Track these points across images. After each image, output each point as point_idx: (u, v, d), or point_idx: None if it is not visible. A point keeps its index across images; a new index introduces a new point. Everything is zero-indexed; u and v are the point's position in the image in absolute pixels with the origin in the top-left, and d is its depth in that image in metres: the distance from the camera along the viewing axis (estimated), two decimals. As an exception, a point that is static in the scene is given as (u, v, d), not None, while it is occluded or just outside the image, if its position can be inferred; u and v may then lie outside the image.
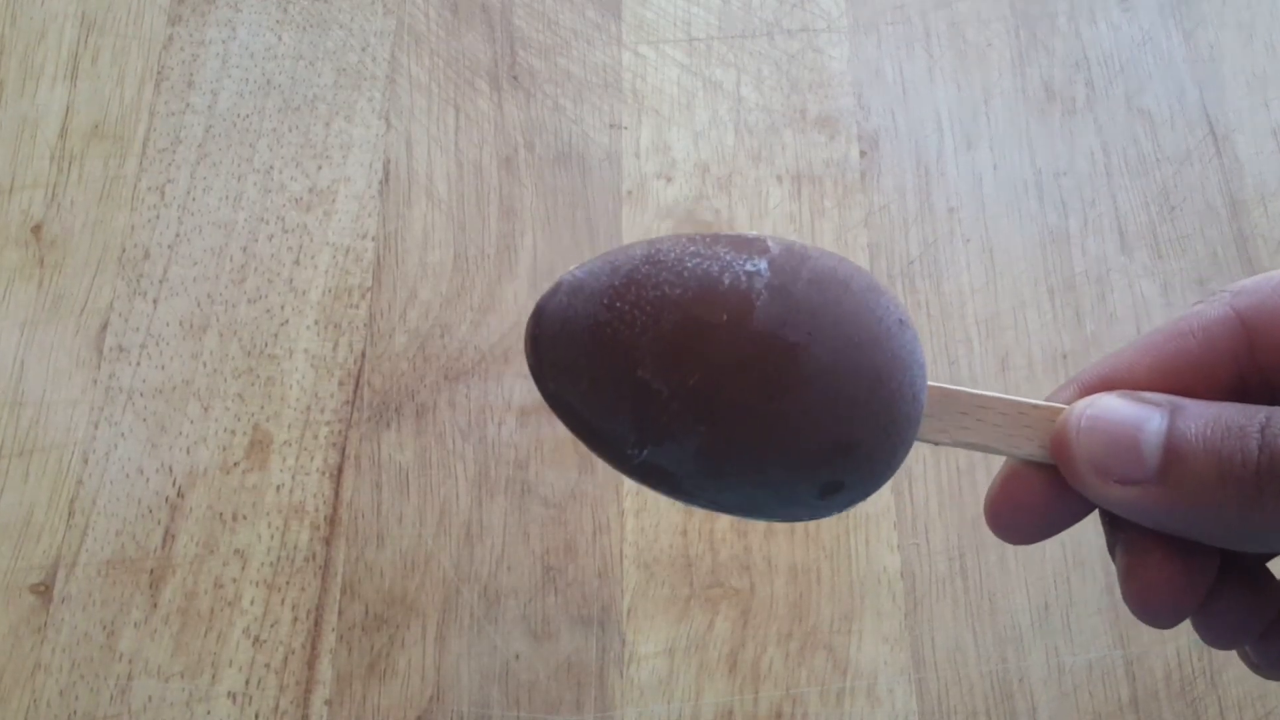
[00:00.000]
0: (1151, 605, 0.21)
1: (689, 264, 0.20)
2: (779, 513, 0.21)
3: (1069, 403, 0.21)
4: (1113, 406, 0.20)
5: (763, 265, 0.20)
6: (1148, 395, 0.20)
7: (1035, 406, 0.22)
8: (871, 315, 0.20)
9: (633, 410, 0.20)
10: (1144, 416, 0.19)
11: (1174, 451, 0.19)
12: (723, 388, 0.20)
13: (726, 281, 0.20)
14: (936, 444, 0.22)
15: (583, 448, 0.42)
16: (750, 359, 0.20)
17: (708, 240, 0.21)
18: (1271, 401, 0.20)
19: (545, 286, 0.46)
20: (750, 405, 0.20)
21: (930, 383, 0.21)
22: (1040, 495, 0.21)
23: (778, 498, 0.21)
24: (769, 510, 0.21)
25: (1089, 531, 0.41)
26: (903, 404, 0.20)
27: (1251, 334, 0.20)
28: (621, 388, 0.20)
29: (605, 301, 0.21)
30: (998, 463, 0.42)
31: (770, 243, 0.21)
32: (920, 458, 0.42)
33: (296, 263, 0.45)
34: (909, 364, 0.21)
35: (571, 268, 0.21)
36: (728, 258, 0.20)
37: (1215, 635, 0.22)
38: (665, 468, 0.20)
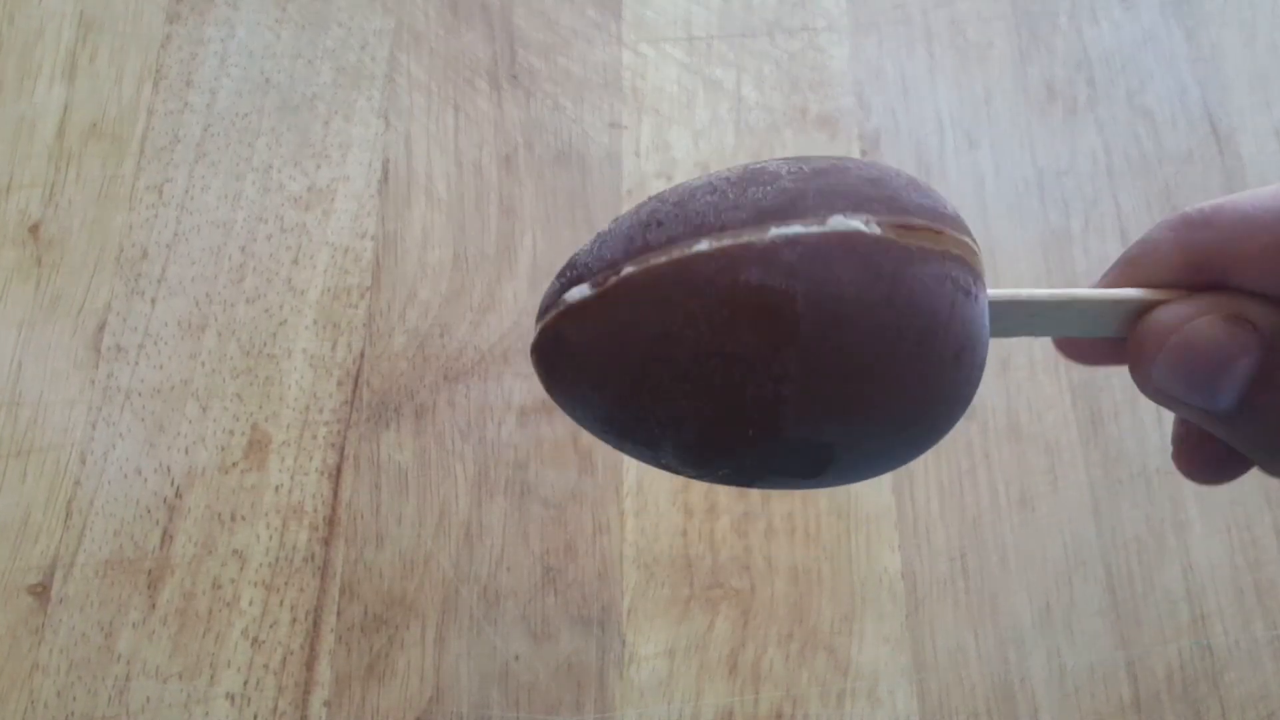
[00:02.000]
0: (1200, 472, 0.21)
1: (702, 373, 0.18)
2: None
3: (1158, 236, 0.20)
4: (1203, 334, 0.18)
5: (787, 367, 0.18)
6: (1249, 313, 0.18)
7: (1100, 300, 0.20)
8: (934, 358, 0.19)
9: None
10: (1234, 355, 0.18)
11: (1253, 399, 0.18)
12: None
13: (752, 392, 0.18)
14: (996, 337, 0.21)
15: (582, 447, 0.42)
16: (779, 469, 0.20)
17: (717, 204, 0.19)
18: None
19: (545, 286, 0.46)
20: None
21: (991, 291, 0.20)
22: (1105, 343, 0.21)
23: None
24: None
25: (1089, 531, 0.41)
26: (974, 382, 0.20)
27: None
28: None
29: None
30: (997, 465, 0.42)
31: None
32: (920, 457, 0.42)
33: (295, 262, 0.45)
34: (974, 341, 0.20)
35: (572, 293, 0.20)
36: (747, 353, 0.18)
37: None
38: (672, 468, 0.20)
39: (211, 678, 0.39)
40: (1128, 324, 0.20)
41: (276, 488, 0.42)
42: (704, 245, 0.18)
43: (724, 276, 0.18)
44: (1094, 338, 0.21)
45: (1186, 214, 0.19)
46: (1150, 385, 0.19)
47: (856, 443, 0.19)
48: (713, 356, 0.18)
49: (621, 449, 0.21)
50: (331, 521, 0.41)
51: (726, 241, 0.18)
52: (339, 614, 0.40)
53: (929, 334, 0.18)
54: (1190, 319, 0.18)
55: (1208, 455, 0.21)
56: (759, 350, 0.18)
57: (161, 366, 0.43)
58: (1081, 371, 0.43)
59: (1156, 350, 0.19)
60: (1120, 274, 0.20)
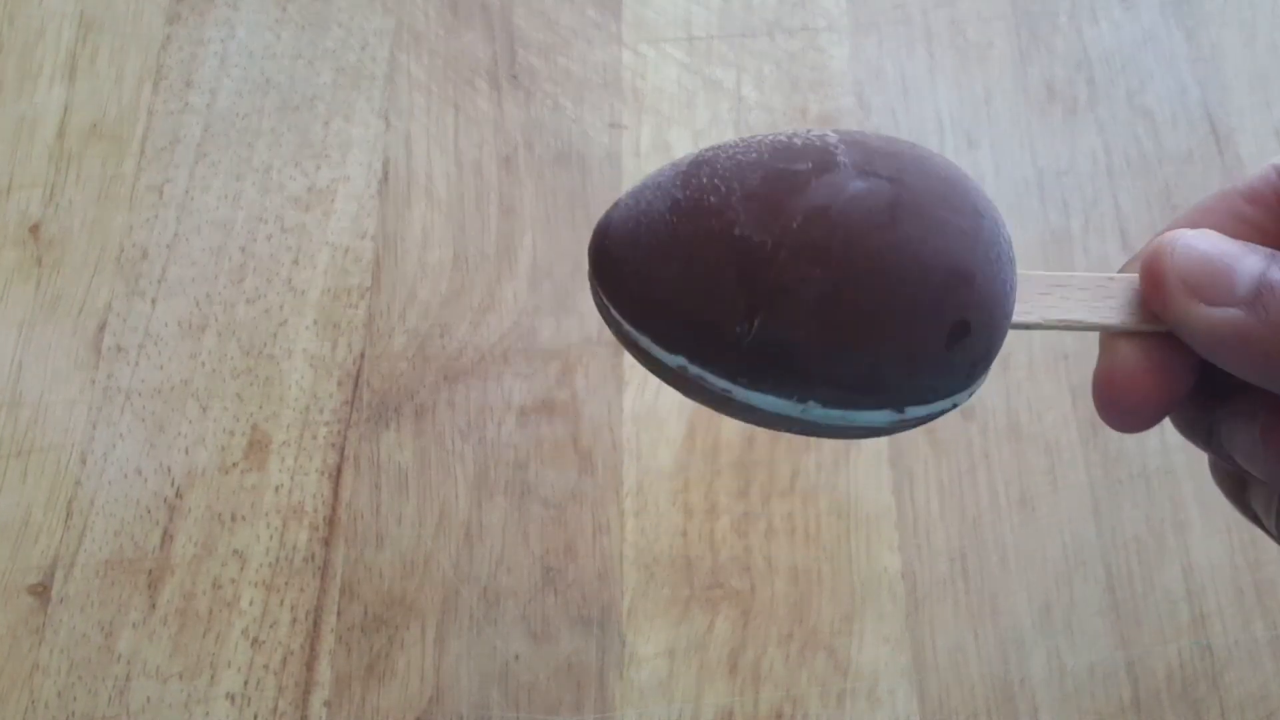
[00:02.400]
0: (1116, 413, 0.21)
1: (753, 142, 0.20)
2: (903, 386, 0.19)
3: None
4: (1212, 238, 0.20)
5: (829, 133, 0.20)
6: (1249, 243, 0.20)
7: (1113, 278, 0.21)
8: (950, 166, 0.20)
9: (738, 272, 0.18)
10: (1243, 253, 0.19)
11: (1268, 283, 0.19)
12: (832, 224, 0.18)
13: (799, 144, 0.20)
14: (1027, 328, 0.21)
15: (582, 448, 0.42)
16: (851, 196, 0.19)
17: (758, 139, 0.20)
18: None
19: (545, 286, 0.46)
20: (862, 236, 0.19)
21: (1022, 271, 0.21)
22: (1139, 366, 0.21)
23: (905, 353, 0.19)
24: (892, 382, 0.19)
25: (1089, 531, 0.41)
26: (1003, 242, 0.20)
27: None
28: (720, 251, 0.19)
29: (680, 184, 0.20)
30: (997, 465, 0.42)
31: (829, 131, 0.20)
32: (920, 458, 0.42)
33: (295, 263, 0.45)
34: (995, 210, 0.20)
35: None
36: (790, 131, 0.20)
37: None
38: (780, 339, 0.19)
39: (212, 678, 0.39)
40: (1133, 301, 0.21)
41: (277, 488, 0.42)
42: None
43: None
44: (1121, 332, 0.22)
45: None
46: (1168, 280, 0.20)
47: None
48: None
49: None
50: (331, 522, 0.41)
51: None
52: (339, 614, 0.40)
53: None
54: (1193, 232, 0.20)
55: (1136, 399, 0.22)
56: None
57: (162, 367, 0.43)
58: (1082, 372, 0.43)
59: (1171, 249, 0.20)
60: (1189, 221, 0.21)
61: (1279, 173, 0.21)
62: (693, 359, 0.20)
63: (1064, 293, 0.21)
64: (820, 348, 0.19)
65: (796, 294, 0.18)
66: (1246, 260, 0.19)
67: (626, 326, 0.20)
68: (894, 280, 0.19)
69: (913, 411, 0.20)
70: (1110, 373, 0.21)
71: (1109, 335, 0.22)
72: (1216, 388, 0.21)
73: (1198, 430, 0.23)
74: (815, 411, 0.20)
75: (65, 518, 0.41)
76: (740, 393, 0.20)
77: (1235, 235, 0.20)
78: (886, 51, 0.50)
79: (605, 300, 0.20)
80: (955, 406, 0.21)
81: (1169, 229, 0.21)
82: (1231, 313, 0.19)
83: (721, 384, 0.20)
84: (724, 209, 0.19)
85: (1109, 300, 0.21)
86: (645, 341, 0.20)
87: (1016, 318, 0.21)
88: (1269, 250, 0.19)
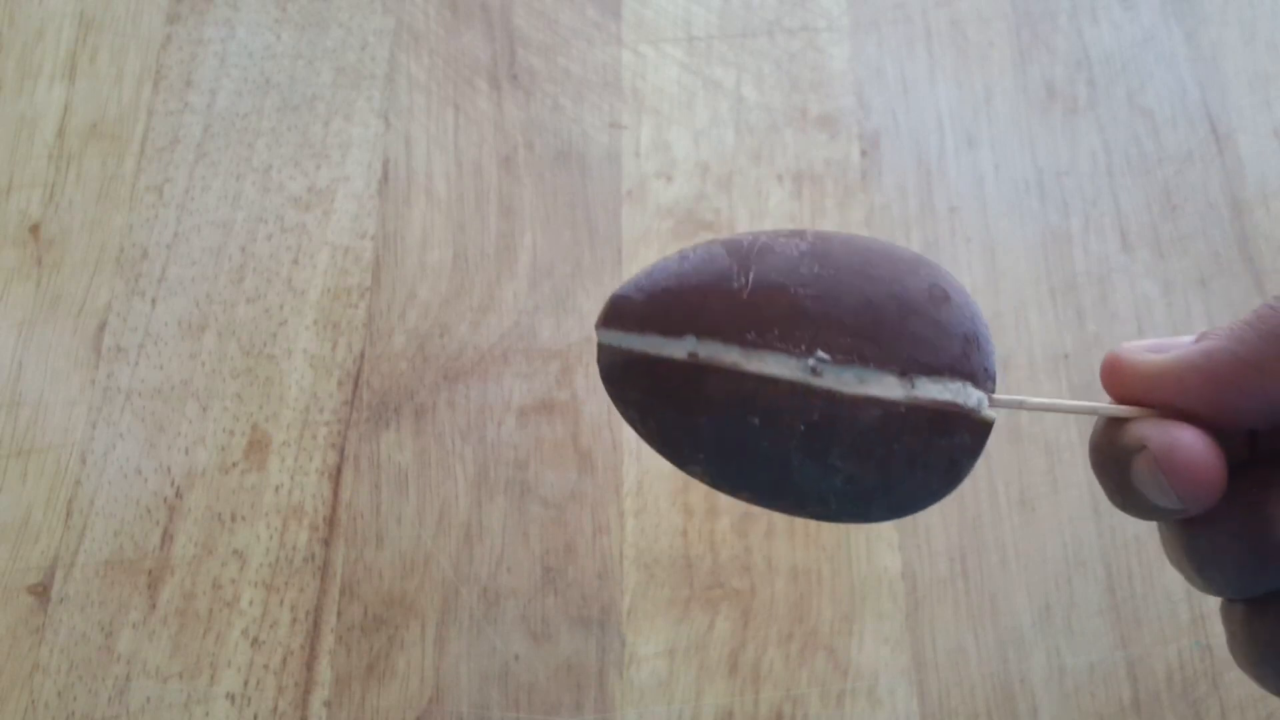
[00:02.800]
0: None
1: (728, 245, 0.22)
2: (901, 335, 0.21)
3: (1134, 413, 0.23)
4: (1194, 440, 0.21)
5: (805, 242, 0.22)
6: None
7: (1084, 404, 0.23)
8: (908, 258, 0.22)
9: (727, 251, 0.21)
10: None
11: (1205, 335, 0.21)
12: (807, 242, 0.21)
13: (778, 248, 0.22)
14: (1011, 406, 0.23)
15: (582, 448, 0.42)
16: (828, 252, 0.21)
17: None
18: None
19: (545, 286, 0.46)
20: (837, 239, 0.21)
21: (995, 396, 0.22)
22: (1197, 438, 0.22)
23: (892, 292, 0.21)
24: (890, 324, 0.21)
25: (1089, 531, 0.41)
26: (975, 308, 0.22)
27: None
28: (714, 253, 0.21)
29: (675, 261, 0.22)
30: (997, 465, 0.42)
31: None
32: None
33: (295, 262, 0.45)
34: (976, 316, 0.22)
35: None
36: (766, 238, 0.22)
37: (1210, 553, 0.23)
38: (775, 282, 0.21)
39: (212, 678, 0.39)
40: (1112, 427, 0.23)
41: (276, 488, 0.42)
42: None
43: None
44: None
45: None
46: (1124, 375, 0.22)
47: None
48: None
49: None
50: (331, 522, 0.41)
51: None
52: (339, 614, 0.40)
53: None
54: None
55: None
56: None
57: (162, 367, 0.43)
58: (1081, 372, 0.43)
59: (1114, 359, 0.22)
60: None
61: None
62: (700, 333, 0.21)
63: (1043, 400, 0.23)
64: (813, 287, 0.20)
65: (783, 251, 0.21)
66: (1181, 340, 0.22)
67: (631, 339, 0.21)
68: (869, 246, 0.21)
69: (923, 386, 0.20)
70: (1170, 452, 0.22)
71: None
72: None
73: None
74: (827, 373, 0.20)
75: (65, 517, 0.41)
76: (752, 360, 0.20)
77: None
78: (887, 51, 0.50)
79: (611, 335, 0.22)
80: (970, 407, 0.21)
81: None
82: (1182, 352, 0.21)
83: (731, 356, 0.20)
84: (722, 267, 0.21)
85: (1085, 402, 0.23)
86: (652, 341, 0.21)
87: (999, 394, 0.22)
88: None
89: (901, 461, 0.21)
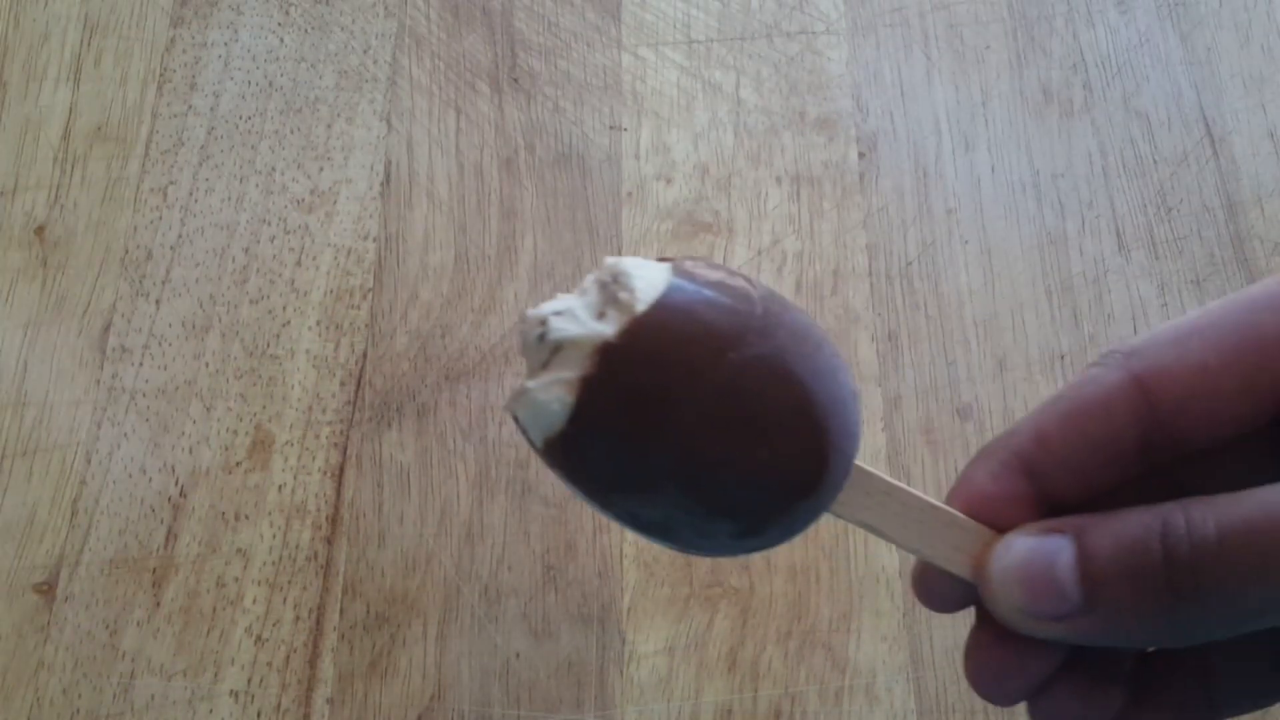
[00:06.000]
0: (983, 684, 0.22)
1: None
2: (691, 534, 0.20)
3: (984, 477, 0.22)
4: (1023, 548, 0.21)
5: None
6: (1055, 523, 0.21)
7: (950, 515, 0.22)
8: (834, 378, 0.20)
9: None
10: (1054, 550, 0.20)
11: (1091, 580, 0.20)
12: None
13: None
14: (842, 518, 0.22)
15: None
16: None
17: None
18: (1176, 453, 0.21)
19: (546, 287, 0.46)
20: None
21: (857, 462, 0.21)
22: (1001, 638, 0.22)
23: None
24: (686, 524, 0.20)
25: (1086, 531, 0.41)
26: (837, 466, 0.20)
27: (1151, 397, 0.21)
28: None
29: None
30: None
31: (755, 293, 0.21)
32: (917, 457, 0.42)
33: (298, 264, 0.46)
34: (853, 427, 0.21)
35: None
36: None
37: None
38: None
39: (215, 675, 0.39)
40: (969, 556, 0.22)
41: (280, 487, 0.42)
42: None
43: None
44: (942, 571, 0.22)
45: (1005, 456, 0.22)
46: (1009, 616, 0.21)
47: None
48: None
49: None
50: (334, 520, 0.41)
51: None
52: (341, 612, 0.40)
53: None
54: (1006, 548, 0.21)
55: (943, 593, 0.23)
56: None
57: (166, 367, 0.44)
58: (1080, 371, 0.44)
59: (998, 582, 0.21)
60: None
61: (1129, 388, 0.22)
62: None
63: (890, 502, 0.22)
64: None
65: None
66: (1062, 562, 0.20)
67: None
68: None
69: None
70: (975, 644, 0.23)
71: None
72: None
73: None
74: None
75: (70, 517, 0.41)
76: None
77: (1081, 444, 0.21)
78: (884, 54, 0.50)
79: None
80: None
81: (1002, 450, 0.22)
82: (1074, 620, 0.20)
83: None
84: None
85: (941, 533, 0.22)
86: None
87: (834, 507, 0.21)
88: (1074, 525, 0.20)
89: None
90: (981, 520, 0.22)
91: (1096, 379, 0.22)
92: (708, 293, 0.20)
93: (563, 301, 0.20)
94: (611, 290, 0.20)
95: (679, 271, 0.20)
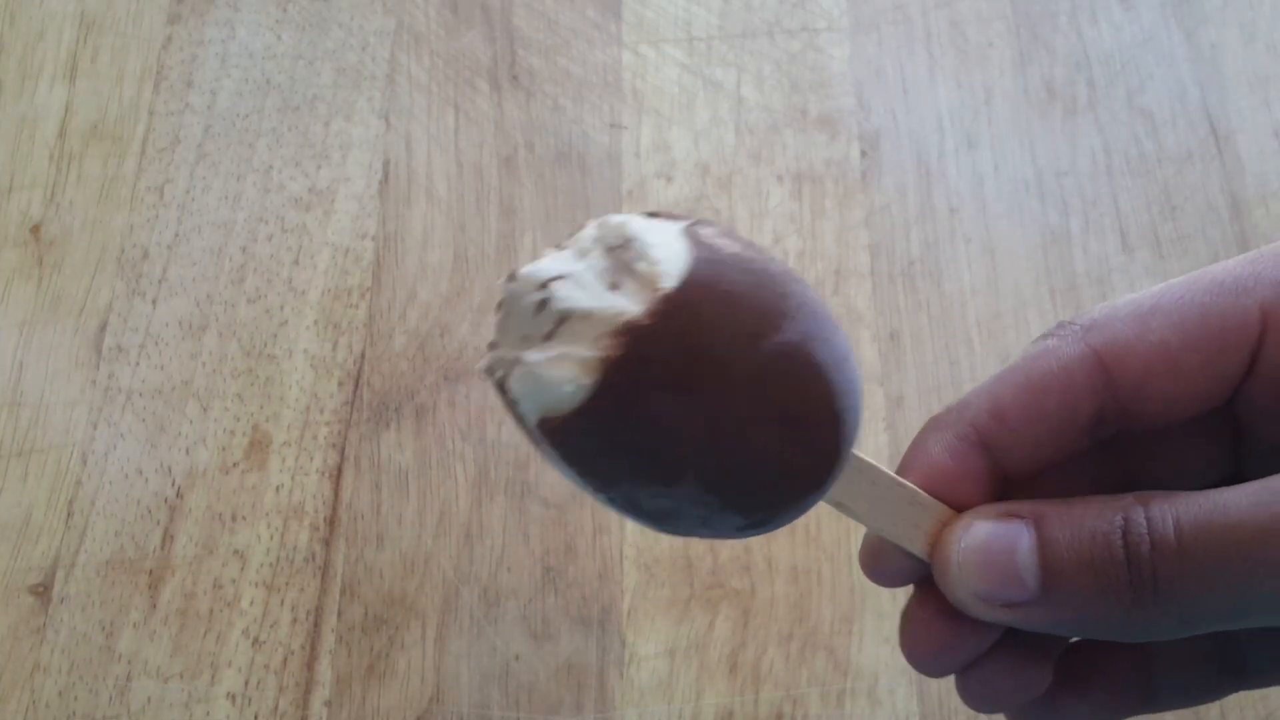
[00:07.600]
0: (918, 656, 0.22)
1: None
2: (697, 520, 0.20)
3: (939, 451, 0.22)
4: (982, 533, 0.20)
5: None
6: (1014, 508, 0.20)
7: (912, 492, 0.21)
8: (849, 363, 0.20)
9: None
10: (1013, 536, 0.20)
11: (1049, 569, 0.19)
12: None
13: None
14: (830, 503, 0.21)
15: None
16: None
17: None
18: (1127, 429, 0.21)
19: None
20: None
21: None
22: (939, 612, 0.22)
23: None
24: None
25: (1090, 532, 0.41)
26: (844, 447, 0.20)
27: (1108, 369, 0.21)
28: None
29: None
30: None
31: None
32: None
33: (296, 263, 0.45)
34: (858, 408, 0.20)
35: None
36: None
37: (975, 697, 0.22)
38: None
39: (212, 677, 0.39)
40: (927, 530, 0.21)
41: (277, 488, 0.42)
42: None
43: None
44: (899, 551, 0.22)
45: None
46: (966, 601, 0.21)
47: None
48: None
49: None
50: (332, 522, 0.41)
51: None
52: (339, 614, 0.40)
53: None
54: (967, 531, 0.21)
55: (893, 568, 0.23)
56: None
57: (162, 367, 0.44)
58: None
59: (956, 564, 0.21)
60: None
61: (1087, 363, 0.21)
62: None
63: (860, 480, 0.21)
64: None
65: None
66: (1021, 547, 0.20)
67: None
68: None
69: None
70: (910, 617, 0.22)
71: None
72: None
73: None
74: None
75: (66, 518, 0.41)
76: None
77: (1037, 414, 0.21)
78: (886, 52, 0.50)
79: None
80: None
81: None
82: (1030, 608, 0.20)
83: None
84: None
85: (908, 512, 0.21)
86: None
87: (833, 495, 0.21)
88: (1033, 512, 0.20)
89: None
90: (936, 495, 0.21)
91: (1054, 352, 0.21)
92: (734, 271, 0.18)
93: (560, 262, 0.18)
94: (623, 258, 0.18)
95: (697, 242, 0.18)
